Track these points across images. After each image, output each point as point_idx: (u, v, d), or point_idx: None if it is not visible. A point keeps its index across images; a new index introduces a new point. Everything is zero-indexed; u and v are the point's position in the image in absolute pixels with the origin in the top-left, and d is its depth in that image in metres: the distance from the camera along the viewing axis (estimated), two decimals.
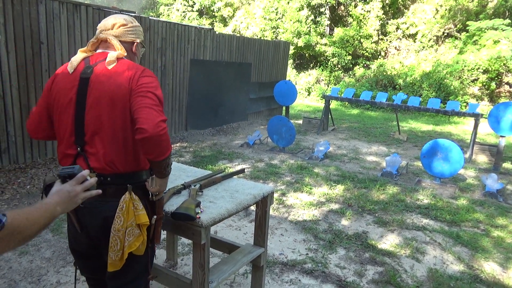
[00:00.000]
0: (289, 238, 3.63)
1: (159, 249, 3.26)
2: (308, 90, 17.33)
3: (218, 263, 2.29)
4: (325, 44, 17.77)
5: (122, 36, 1.67)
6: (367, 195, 4.88)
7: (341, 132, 9.40)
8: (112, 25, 1.67)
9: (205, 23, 21.13)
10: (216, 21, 21.57)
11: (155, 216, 1.69)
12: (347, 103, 14.59)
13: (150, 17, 6.79)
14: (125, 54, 1.65)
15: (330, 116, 9.56)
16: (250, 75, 9.77)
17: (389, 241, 3.67)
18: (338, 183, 5.29)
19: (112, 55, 1.60)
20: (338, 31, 17.59)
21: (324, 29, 18.68)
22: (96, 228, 1.59)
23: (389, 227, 3.98)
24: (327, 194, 4.86)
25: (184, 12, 21.57)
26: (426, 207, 4.58)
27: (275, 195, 4.67)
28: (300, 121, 10.22)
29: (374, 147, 7.86)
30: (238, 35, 12.11)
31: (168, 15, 21.85)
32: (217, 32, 8.46)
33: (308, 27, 18.03)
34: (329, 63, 17.81)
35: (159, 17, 21.04)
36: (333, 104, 14.72)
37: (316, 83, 17.61)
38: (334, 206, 4.47)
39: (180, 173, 2.63)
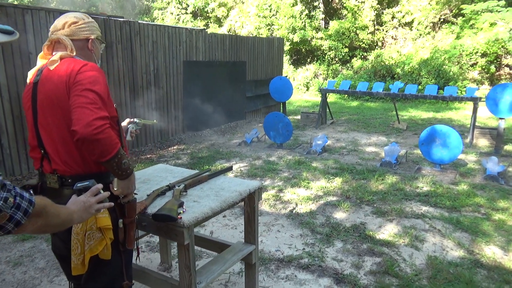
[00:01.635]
0: (286, 234, 3.58)
1: (154, 253, 3.23)
2: (306, 85, 17.24)
3: (207, 263, 2.26)
4: (321, 38, 17.66)
5: (74, 35, 1.65)
6: (366, 186, 4.83)
7: (340, 125, 9.33)
8: (62, 25, 1.64)
9: (199, 24, 21.08)
10: (210, 22, 21.51)
11: (121, 220, 1.64)
12: (346, 96, 14.49)
13: (139, 21, 6.77)
14: (73, 53, 1.61)
15: (328, 110, 9.49)
16: (245, 73, 9.72)
17: (388, 231, 3.61)
18: (336, 176, 5.23)
19: (56, 55, 1.58)
20: (334, 24, 17.47)
21: (319, 23, 18.57)
22: (62, 231, 1.56)
23: (387, 217, 3.92)
24: (325, 187, 4.81)
25: (178, 15, 21.55)
26: (425, 195, 4.51)
27: (272, 192, 4.63)
28: (299, 117, 10.16)
29: (373, 138, 7.79)
30: (231, 34, 12.06)
31: (163, 19, 21.84)
32: (208, 32, 8.42)
33: (303, 22, 17.93)
34: (326, 57, 17.70)
35: (154, 21, 21.03)
36: (332, 98, 14.64)
37: (314, 77, 17.50)
38: (332, 199, 4.42)
39: (167, 174, 2.60)
